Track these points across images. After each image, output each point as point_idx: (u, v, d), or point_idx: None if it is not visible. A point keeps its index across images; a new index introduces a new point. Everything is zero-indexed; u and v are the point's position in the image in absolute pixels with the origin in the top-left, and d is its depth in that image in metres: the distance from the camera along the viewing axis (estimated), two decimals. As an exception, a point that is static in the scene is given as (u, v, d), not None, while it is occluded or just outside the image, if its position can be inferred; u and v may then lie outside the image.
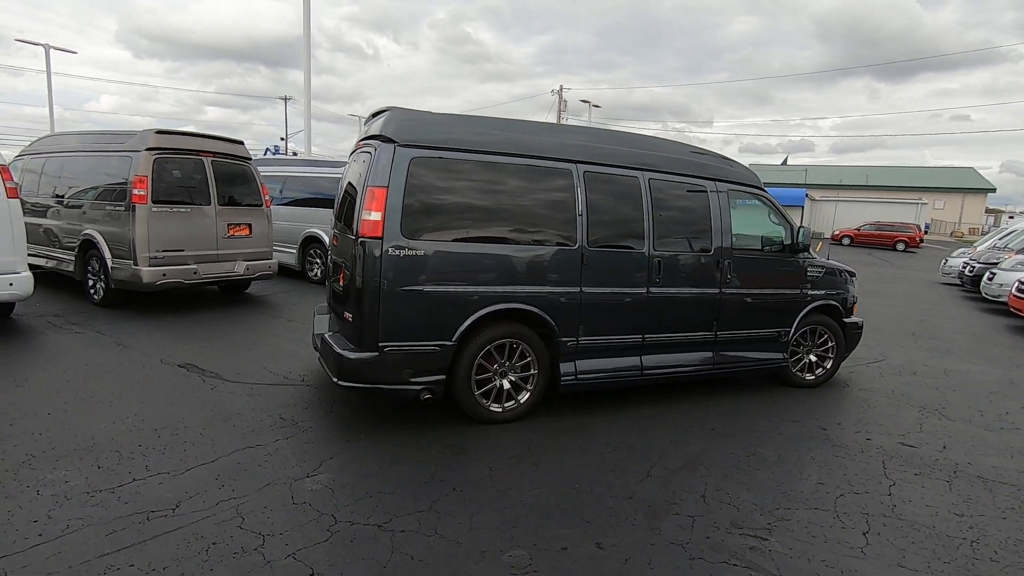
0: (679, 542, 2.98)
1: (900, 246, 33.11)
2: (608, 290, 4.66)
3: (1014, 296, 10.59)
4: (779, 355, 5.66)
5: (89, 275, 7.68)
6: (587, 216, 4.55)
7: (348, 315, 4.14)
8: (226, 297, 8.83)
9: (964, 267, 16.06)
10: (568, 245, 4.48)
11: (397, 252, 3.92)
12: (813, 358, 5.96)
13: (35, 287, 6.31)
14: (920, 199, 41.87)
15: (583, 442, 4.18)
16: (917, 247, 33.47)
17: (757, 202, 5.73)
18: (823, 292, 5.83)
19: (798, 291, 5.67)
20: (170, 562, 2.55)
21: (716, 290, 5.17)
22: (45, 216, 8.29)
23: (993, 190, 53.69)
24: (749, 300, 5.37)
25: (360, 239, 3.92)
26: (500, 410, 4.42)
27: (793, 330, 5.68)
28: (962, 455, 4.39)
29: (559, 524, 3.06)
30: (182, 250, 7.40)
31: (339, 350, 4.03)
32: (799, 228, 5.53)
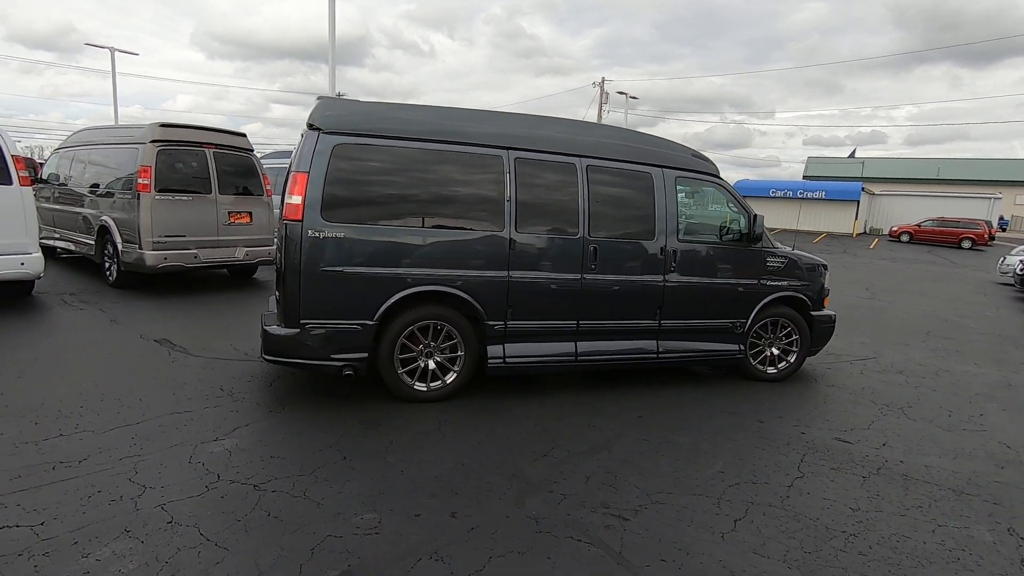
0: (536, 517, 3.04)
1: (966, 244, 30.88)
2: (538, 275, 4.71)
3: (1052, 296, 9.76)
4: (734, 347, 5.53)
5: (106, 258, 8.36)
6: (516, 202, 4.61)
7: (277, 294, 4.39)
8: (233, 281, 9.39)
9: (1018, 266, 14.89)
10: (496, 230, 4.57)
11: (317, 234, 4.13)
12: (775, 351, 5.78)
13: (67, 270, 6.94)
14: (995, 194, 38.73)
15: (498, 422, 4.27)
16: (986, 245, 31.09)
17: (714, 190, 5.61)
18: (785, 283, 5.64)
19: (755, 281, 5.51)
20: (52, 504, 2.86)
21: (659, 278, 5.11)
22: (74, 204, 9.07)
23: (1084, 183, 48.96)
24: (697, 289, 5.27)
25: (284, 221, 4.15)
26: (425, 389, 4.57)
27: (750, 322, 5.53)
28: (898, 453, 4.19)
29: (427, 495, 3.19)
30: (183, 236, 7.94)
31: (265, 326, 4.30)
32: (754, 216, 5.37)
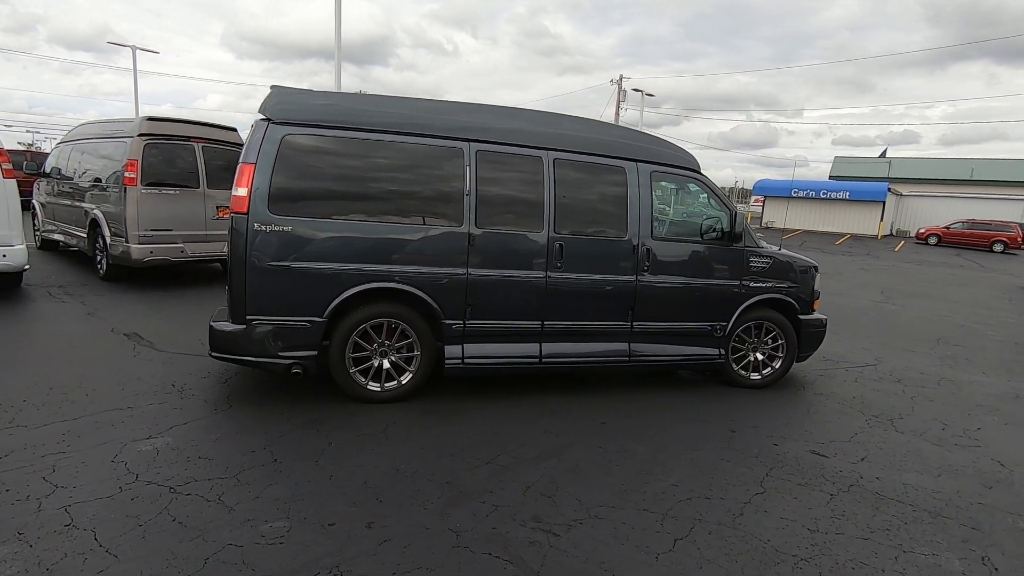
0: (458, 529, 2.85)
1: (997, 247, 29.62)
2: (499, 273, 4.51)
3: (1077, 302, 9.19)
4: (714, 351, 5.25)
5: (97, 252, 8.41)
6: (476, 196, 4.42)
7: (226, 288, 4.28)
8: (224, 277, 9.37)
9: (1047, 270, 14.15)
10: (454, 225, 4.38)
11: (263, 228, 3.99)
12: (760, 357, 5.48)
13: (64, 264, 6.96)
14: (1030, 195, 37.16)
15: (448, 425, 4.09)
16: (1020, 248, 29.81)
17: (694, 186, 5.34)
18: (769, 285, 5.34)
19: (736, 283, 5.22)
20: (-45, 502, 2.77)
21: (631, 278, 4.87)
22: (70, 198, 9.16)
23: None
24: (673, 290, 5.01)
25: (230, 214, 4.03)
26: (379, 389, 4.41)
27: (731, 325, 5.24)
28: (876, 469, 3.89)
29: (348, 502, 3.02)
30: (170, 230, 7.93)
31: (212, 322, 4.18)
32: (735, 214, 5.08)
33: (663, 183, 5.25)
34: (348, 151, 4.21)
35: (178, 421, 3.84)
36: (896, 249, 27.39)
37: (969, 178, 49.13)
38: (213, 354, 4.16)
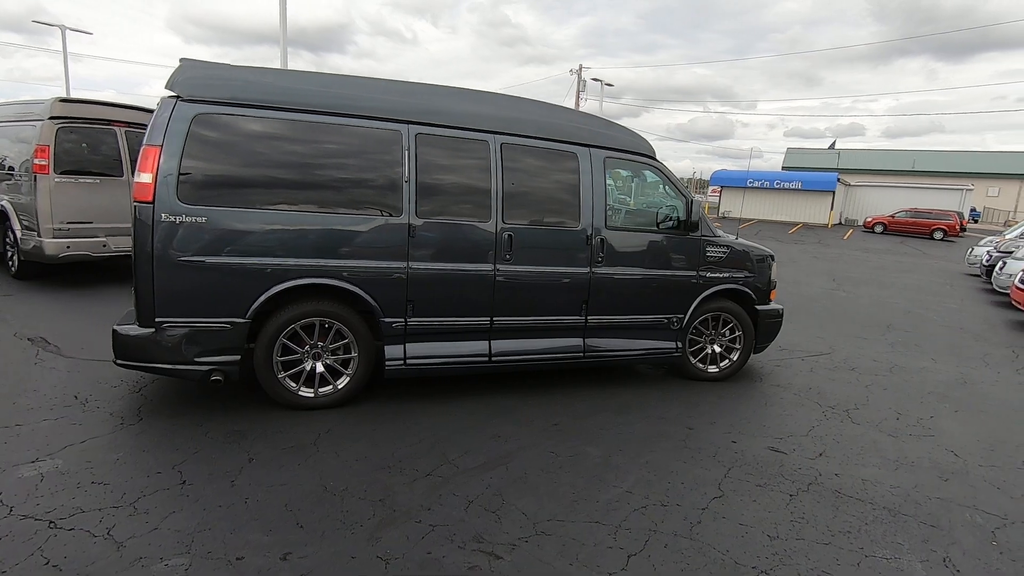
0: (388, 556, 2.54)
1: (938, 235, 30.94)
2: (443, 267, 4.18)
3: (1016, 287, 9.50)
4: (671, 344, 5.07)
5: (7, 247, 7.64)
6: (416, 183, 4.07)
7: (133, 287, 3.81)
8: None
9: (985, 257, 14.73)
10: (392, 216, 4.02)
11: (172, 219, 3.55)
12: (717, 349, 5.34)
13: None
14: (966, 185, 39.00)
15: (388, 433, 3.76)
16: (958, 236, 31.24)
17: (650, 173, 5.12)
18: (726, 275, 5.18)
19: (693, 273, 5.04)
20: None
21: (585, 269, 4.62)
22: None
23: (1054, 176, 49.62)
24: (629, 282, 4.79)
25: (133, 203, 3.57)
26: (312, 395, 4.03)
27: (688, 317, 5.07)
28: (834, 465, 3.77)
29: (263, 529, 2.67)
30: (91, 222, 7.25)
31: (116, 325, 3.72)
32: (691, 202, 4.89)
33: (618, 170, 5.01)
34: (270, 133, 3.79)
35: (75, 439, 3.38)
36: (845, 237, 28.26)
37: (911, 169, 51.40)
38: (119, 362, 3.70)
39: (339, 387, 4.10)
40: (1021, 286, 9.30)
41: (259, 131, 3.76)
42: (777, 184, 37.03)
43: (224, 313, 3.72)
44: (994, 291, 12.60)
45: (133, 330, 3.63)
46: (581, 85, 39.20)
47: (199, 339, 3.69)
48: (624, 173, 5.24)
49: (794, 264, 16.08)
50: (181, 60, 3.78)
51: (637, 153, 4.92)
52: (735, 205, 37.96)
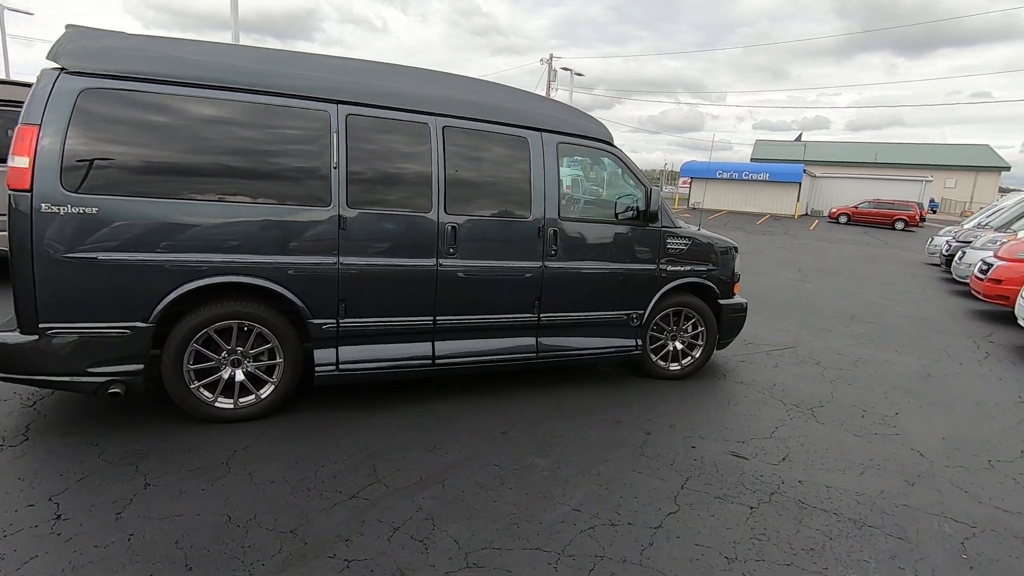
0: (288, 603, 2.18)
1: (899, 225, 31.66)
2: (379, 262, 3.80)
3: (975, 277, 9.54)
4: (630, 342, 4.79)
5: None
6: (346, 170, 3.67)
7: (11, 289, 3.33)
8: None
9: (944, 246, 14.95)
10: (320, 205, 3.62)
11: (55, 209, 3.08)
12: (679, 345, 5.09)
13: None
14: (926, 177, 40.03)
15: (314, 448, 3.38)
16: (917, 226, 32.01)
17: (608, 160, 4.81)
18: (688, 268, 4.92)
19: (653, 267, 4.76)
20: None
21: (537, 263, 4.29)
22: None
23: (1008, 168, 51.38)
24: (585, 276, 4.48)
25: (8, 192, 3.09)
26: (231, 407, 3.62)
27: (648, 313, 4.79)
28: (799, 470, 3.54)
29: (141, 574, 2.27)
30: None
31: (-8, 333, 3.24)
32: (649, 191, 4.60)
33: (572, 156, 4.69)
34: (173, 112, 3.33)
35: (-62, 466, 2.92)
36: (811, 228, 28.64)
37: (874, 160, 52.62)
38: (-2, 374, 3.22)
39: (263, 397, 3.69)
40: (980, 276, 9.34)
41: (160, 110, 3.30)
42: (745, 176, 37.37)
43: (122, 317, 3.27)
44: (953, 280, 12.76)
45: (13, 338, 3.16)
46: (552, 75, 38.84)
47: (92, 347, 3.24)
48: (582, 160, 4.91)
49: (761, 255, 16.10)
50: (66, 26, 3.30)
51: (593, 139, 4.60)
52: (705, 196, 38.22)
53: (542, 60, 38.77)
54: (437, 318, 4.04)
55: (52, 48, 3.19)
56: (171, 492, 2.83)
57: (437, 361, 4.09)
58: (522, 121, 4.26)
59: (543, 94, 33.93)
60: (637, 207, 4.69)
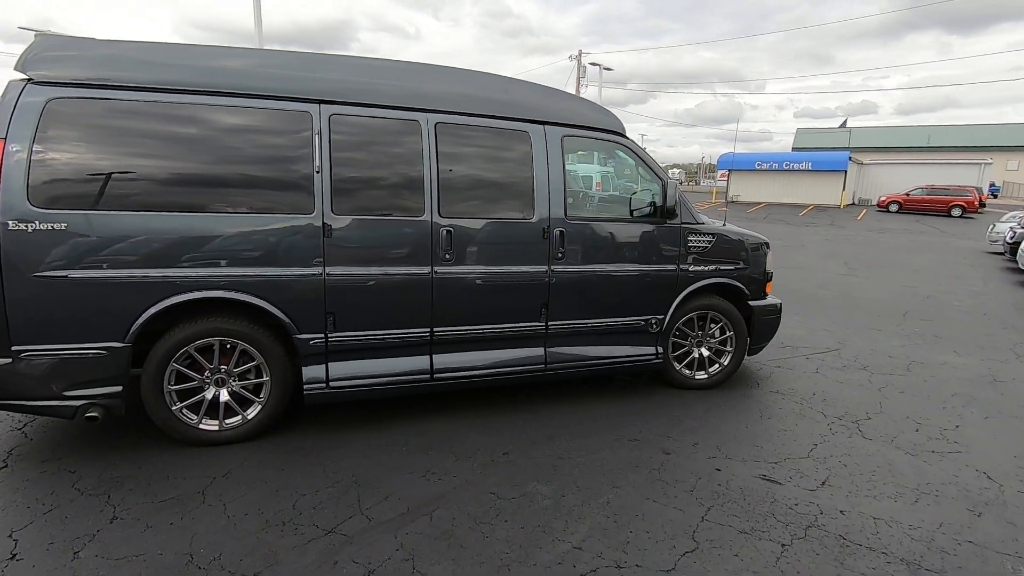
0: (235, 666, 1.92)
1: (956, 212, 29.72)
2: (369, 272, 3.55)
3: (1046, 266, 8.66)
4: (650, 350, 4.40)
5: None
6: (331, 174, 3.43)
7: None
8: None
9: (1008, 233, 13.79)
10: (303, 213, 3.39)
11: (22, 226, 2.93)
12: (705, 352, 4.66)
13: None
14: (984, 159, 37.52)
15: (297, 474, 3.14)
16: (977, 212, 29.98)
17: (620, 154, 4.43)
18: (712, 268, 4.49)
19: (673, 267, 4.36)
20: None
21: (543, 267, 3.96)
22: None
23: (1077, 146, 47.76)
24: (596, 280, 4.12)
25: (-28, 210, 2.96)
26: (216, 428, 3.43)
27: (669, 317, 4.39)
28: (841, 498, 3.09)
29: (85, 625, 2.06)
30: None
31: (-34, 356, 3.12)
32: (666, 184, 4.20)
33: (580, 149, 4.33)
34: (147, 119, 3.16)
35: (-91, 497, 2.81)
36: (859, 218, 27.21)
37: (927, 144, 49.80)
38: (-28, 400, 3.11)
39: (249, 417, 3.49)
40: (1052, 265, 8.47)
41: (129, 117, 3.13)
42: (786, 166, 35.88)
43: (97, 337, 3.11)
44: (1019, 270, 11.73)
45: (-15, 361, 3.04)
46: (582, 71, 38.24)
47: (67, 369, 3.09)
48: (593, 154, 4.54)
49: (804, 248, 15.26)
50: (35, 35, 3.16)
51: (602, 130, 4.23)
52: (744, 189, 36.89)
53: (571, 57, 38.24)
54: (435, 330, 3.76)
55: (19, 58, 3.06)
56: (137, 527, 2.63)
57: (436, 376, 3.80)
58: (522, 114, 3.94)
59: (572, 91, 33.39)
60: (654, 203, 4.29)
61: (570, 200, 4.06)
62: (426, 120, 3.67)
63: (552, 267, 3.98)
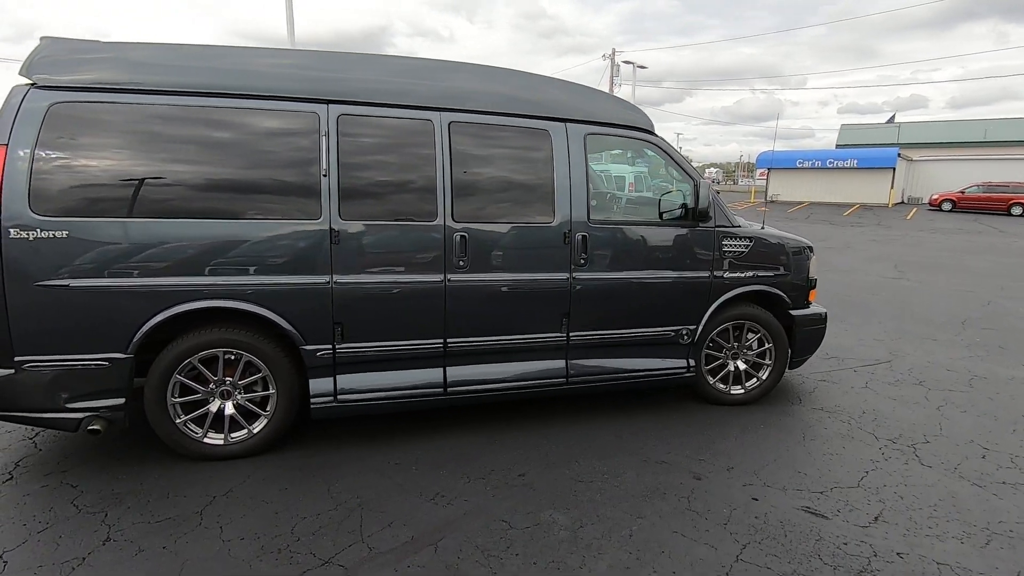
0: None
1: (1016, 210, 27.97)
2: (378, 280, 3.37)
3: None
4: (680, 363, 4.09)
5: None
6: (338, 177, 3.26)
7: (-3, 319, 3.17)
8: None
9: (1078, 233, 12.75)
10: (309, 218, 3.23)
11: (24, 234, 2.86)
12: (742, 365, 4.32)
13: None
14: (1049, 153, 35.25)
15: (300, 494, 2.98)
16: (1040, 210, 28.14)
17: (649, 152, 4.14)
18: (750, 274, 4.16)
19: (706, 274, 4.04)
20: None
21: (564, 275, 3.71)
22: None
23: None
24: (621, 288, 3.85)
25: (-25, 218, 2.90)
26: (221, 442, 3.30)
27: (702, 328, 4.08)
28: (897, 536, 2.74)
29: (57, 664, 1.93)
30: None
31: (-29, 367, 3.07)
32: (699, 185, 3.89)
33: (604, 148, 4.07)
34: (150, 123, 3.05)
35: (-89, 511, 2.76)
36: (908, 217, 25.88)
37: (983, 139, 47.09)
38: (-21, 409, 3.06)
39: (255, 432, 3.35)
40: None
41: (132, 122, 3.03)
42: (830, 163, 34.51)
43: (99, 348, 3.02)
44: (1093, 274, 10.81)
45: (-12, 372, 2.98)
46: (615, 70, 37.67)
47: (69, 381, 3.01)
48: (655, 158, 4.26)
49: (849, 249, 14.50)
50: (41, 38, 3.10)
51: (629, 127, 3.95)
52: (784, 188, 35.67)
53: (604, 55, 37.71)
54: (448, 341, 3.56)
55: (24, 62, 3.00)
56: (129, 551, 2.51)
57: (450, 390, 3.60)
58: (542, 111, 3.70)
59: (606, 90, 32.98)
60: (685, 204, 3.99)
61: (594, 202, 3.80)
62: (439, 119, 3.47)
63: (574, 274, 3.72)
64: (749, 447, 3.65)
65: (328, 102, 3.30)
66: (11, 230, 2.84)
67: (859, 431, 3.91)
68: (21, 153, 2.86)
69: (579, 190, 3.71)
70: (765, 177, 38.92)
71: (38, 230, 2.87)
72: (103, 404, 3.07)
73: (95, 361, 3.02)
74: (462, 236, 3.47)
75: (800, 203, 32.87)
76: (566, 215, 3.68)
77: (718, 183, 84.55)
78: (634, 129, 3.97)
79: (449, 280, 3.48)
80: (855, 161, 33.78)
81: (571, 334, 3.79)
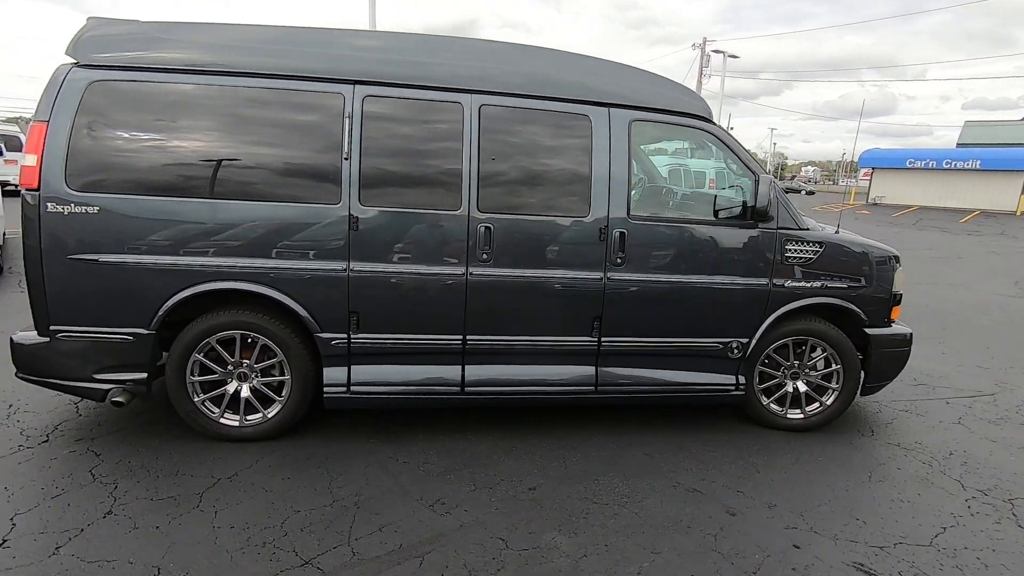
0: None
1: None
2: (396, 269, 3.23)
3: None
4: (728, 379, 3.67)
5: None
6: (360, 161, 3.14)
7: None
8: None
9: None
10: (329, 203, 3.14)
11: (60, 209, 2.96)
12: (803, 387, 3.81)
13: None
14: None
15: (301, 485, 2.90)
16: None
17: (710, 143, 3.72)
18: (818, 284, 3.64)
19: (764, 280, 3.58)
20: None
21: (598, 274, 3.40)
22: None
23: None
24: (662, 292, 3.48)
25: (21, 191, 3.04)
26: (237, 424, 3.31)
27: (755, 341, 3.62)
28: (971, 616, 2.24)
29: (22, 638, 1.93)
30: None
31: (15, 334, 3.23)
32: (759, 181, 3.42)
33: (653, 136, 3.69)
34: (181, 101, 3.06)
35: (-48, 464, 2.95)
36: (1043, 227, 22.72)
37: None
38: (20, 375, 3.22)
39: (269, 416, 3.33)
40: None
41: (164, 101, 3.05)
42: (946, 164, 31.07)
43: (124, 323, 3.09)
44: None
45: (30, 338, 3.13)
46: (705, 60, 35.81)
47: (96, 353, 3.11)
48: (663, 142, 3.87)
49: (960, 261, 12.89)
50: (88, 18, 3.19)
51: (681, 113, 3.55)
52: (891, 190, 32.56)
53: (694, 45, 35.93)
54: (468, 338, 3.36)
55: (70, 41, 3.09)
56: (125, 526, 2.52)
57: (467, 389, 3.41)
58: (583, 95, 3.39)
59: (693, 82, 31.15)
60: (744, 202, 3.54)
61: (635, 196, 3.47)
62: (470, 102, 3.26)
63: (609, 274, 3.40)
64: (799, 482, 3.19)
65: (355, 82, 3.17)
66: (49, 204, 2.95)
67: (941, 476, 3.33)
68: (60, 130, 2.95)
69: (619, 182, 3.37)
70: (869, 177, 35.70)
71: (72, 205, 2.96)
72: (127, 377, 3.15)
73: (120, 335, 3.10)
74: (486, 227, 3.25)
75: (908, 207, 29.86)
76: (603, 209, 3.36)
77: (816, 182, 78.52)
78: (688, 116, 3.56)
79: (471, 273, 3.28)
80: (978, 162, 30.17)
81: (602, 339, 3.48)
